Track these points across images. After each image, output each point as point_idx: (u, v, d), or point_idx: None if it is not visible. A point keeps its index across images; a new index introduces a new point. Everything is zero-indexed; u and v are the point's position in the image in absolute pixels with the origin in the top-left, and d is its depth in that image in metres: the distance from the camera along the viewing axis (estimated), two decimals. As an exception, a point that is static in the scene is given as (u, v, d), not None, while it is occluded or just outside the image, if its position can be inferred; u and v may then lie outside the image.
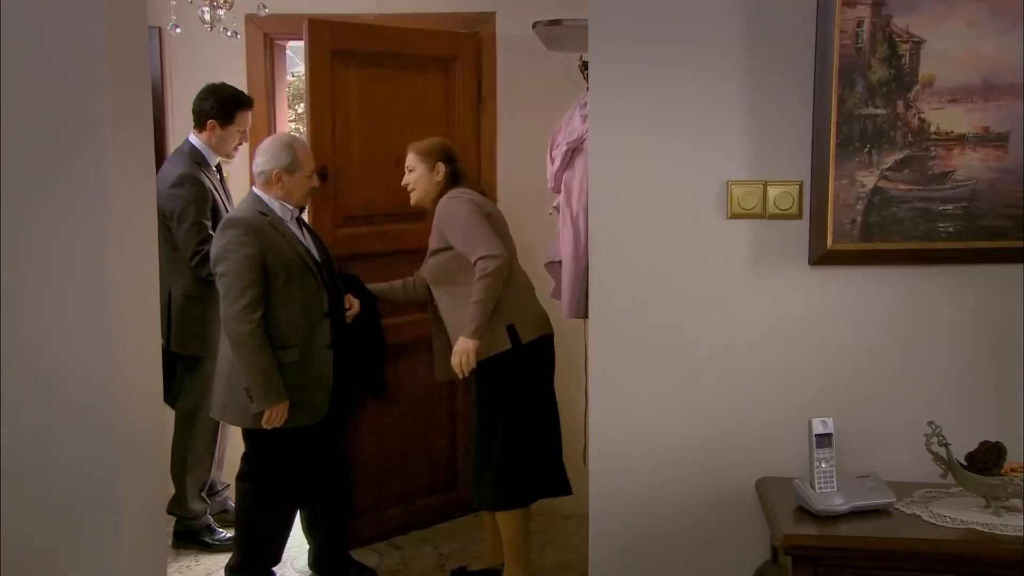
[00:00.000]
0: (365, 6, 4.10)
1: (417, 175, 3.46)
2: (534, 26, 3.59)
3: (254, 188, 3.35)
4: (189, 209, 3.64)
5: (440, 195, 3.39)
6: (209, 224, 3.67)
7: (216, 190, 3.79)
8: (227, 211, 3.77)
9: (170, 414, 3.76)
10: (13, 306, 2.35)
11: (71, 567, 2.41)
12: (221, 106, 3.77)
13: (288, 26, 4.22)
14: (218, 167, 3.88)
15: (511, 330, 3.25)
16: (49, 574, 2.42)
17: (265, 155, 3.31)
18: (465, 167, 3.53)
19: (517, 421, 3.30)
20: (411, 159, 3.44)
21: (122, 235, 2.37)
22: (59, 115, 2.30)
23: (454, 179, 3.41)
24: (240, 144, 3.89)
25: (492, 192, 4.19)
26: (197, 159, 3.76)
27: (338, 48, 3.68)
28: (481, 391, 3.37)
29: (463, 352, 3.20)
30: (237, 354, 3.14)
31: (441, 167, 3.40)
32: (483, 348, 3.23)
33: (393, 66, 3.87)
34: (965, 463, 2.19)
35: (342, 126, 3.73)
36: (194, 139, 3.80)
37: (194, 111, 3.80)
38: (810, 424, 2.19)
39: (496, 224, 3.31)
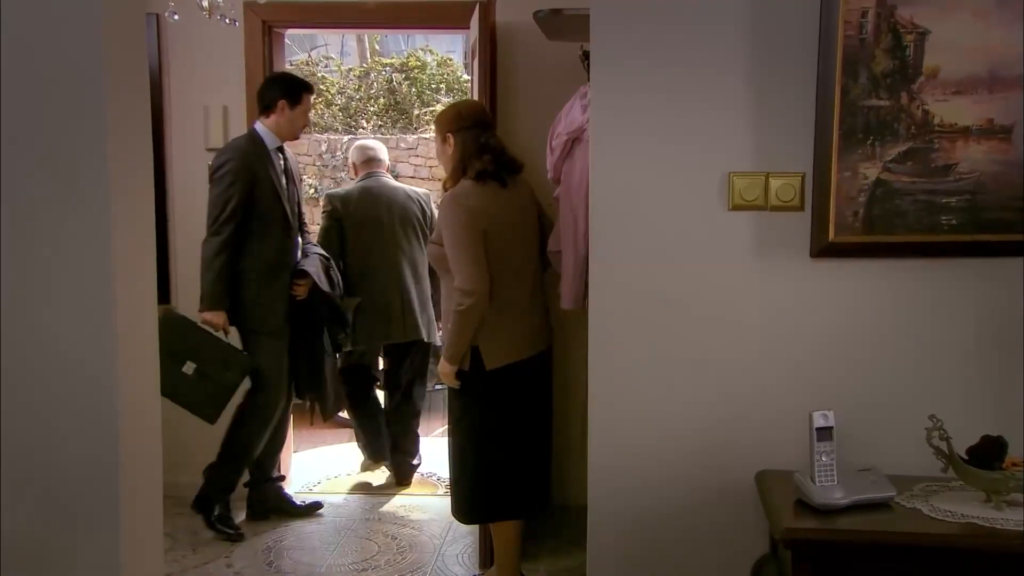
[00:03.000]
0: (364, -7, 4.08)
1: (437, 151, 3.37)
2: (535, 15, 3.56)
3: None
4: (226, 178, 3.78)
5: (461, 169, 3.21)
6: (236, 202, 3.77)
7: (278, 173, 3.92)
8: (288, 194, 3.95)
9: (169, 406, 3.76)
10: (12, 298, 2.33)
11: (70, 557, 2.40)
12: (290, 88, 3.93)
13: (286, 13, 4.20)
14: (281, 151, 3.99)
15: (475, 352, 3.16)
16: (48, 563, 2.41)
17: None
18: (489, 138, 3.25)
19: (475, 442, 3.26)
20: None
21: (121, 223, 2.35)
22: (55, 102, 2.27)
23: (476, 151, 3.18)
24: (306, 126, 4.09)
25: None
26: (256, 140, 3.90)
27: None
28: (450, 403, 3.37)
29: (442, 374, 3.23)
30: None
31: (451, 138, 3.23)
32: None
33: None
34: (966, 457, 2.18)
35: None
36: (258, 125, 3.94)
37: (260, 95, 3.95)
38: (811, 417, 2.18)
39: (494, 240, 3.11)
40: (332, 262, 4.18)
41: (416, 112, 10.86)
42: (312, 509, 4.26)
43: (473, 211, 3.11)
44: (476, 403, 3.25)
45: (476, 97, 3.71)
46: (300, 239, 4.07)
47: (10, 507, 2.38)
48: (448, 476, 3.53)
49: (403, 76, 11.28)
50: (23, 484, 2.38)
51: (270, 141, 3.90)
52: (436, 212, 3.75)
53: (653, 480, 2.50)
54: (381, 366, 4.90)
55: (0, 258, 2.32)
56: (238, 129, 4.24)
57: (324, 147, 10.57)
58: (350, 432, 5.87)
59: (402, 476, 4.69)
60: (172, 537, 3.90)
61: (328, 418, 4.42)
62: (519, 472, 3.29)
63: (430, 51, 11.39)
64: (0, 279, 2.32)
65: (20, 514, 2.39)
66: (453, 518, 3.49)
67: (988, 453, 2.16)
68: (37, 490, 2.39)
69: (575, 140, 3.40)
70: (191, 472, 4.34)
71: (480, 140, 3.20)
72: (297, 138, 4.07)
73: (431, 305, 4.60)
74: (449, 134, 3.24)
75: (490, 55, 3.74)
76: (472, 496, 3.31)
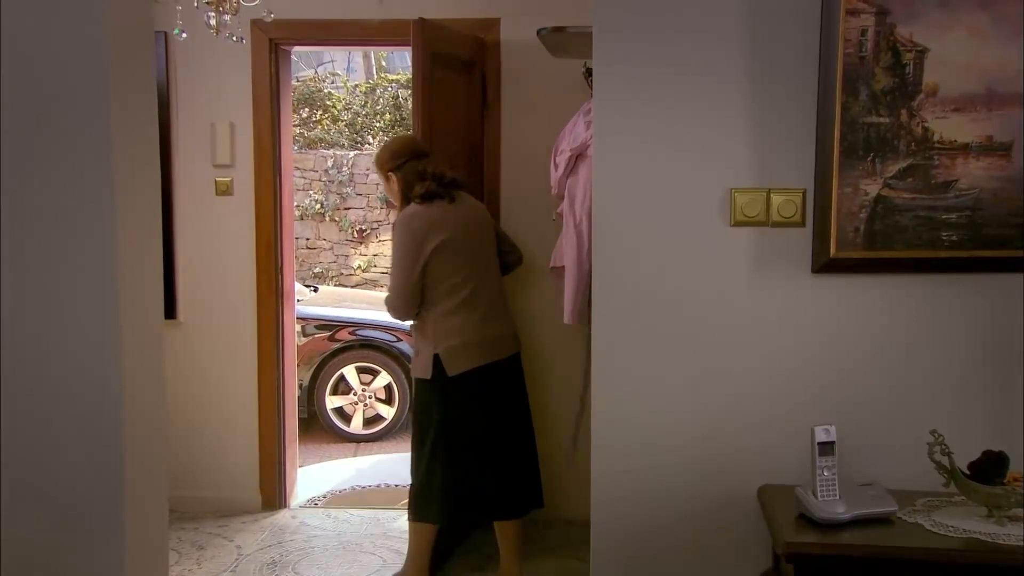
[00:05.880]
0: (368, 11, 4.11)
1: (384, 188, 3.55)
2: (538, 33, 3.59)
3: None
4: None
5: (406, 199, 3.37)
6: None
7: None
8: None
9: (172, 415, 3.78)
10: (18, 311, 2.35)
11: (75, 569, 2.41)
12: None
13: (293, 31, 4.24)
14: None
15: (436, 360, 3.29)
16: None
17: None
18: (427, 165, 3.37)
19: (437, 445, 3.35)
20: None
21: (128, 239, 2.37)
22: (64, 120, 2.30)
23: (415, 179, 3.34)
24: None
25: (495, 199, 4.20)
26: None
27: (434, 51, 3.75)
28: (414, 407, 3.49)
29: None
30: None
31: (392, 176, 3.41)
32: (416, 368, 3.38)
33: (450, 69, 3.94)
34: (968, 472, 2.18)
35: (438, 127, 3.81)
36: None
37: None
38: (813, 432, 2.19)
39: (446, 250, 3.26)
40: None
41: (422, 128, 10.89)
42: None
43: (417, 233, 3.27)
44: (438, 408, 3.35)
45: (413, 118, 3.74)
46: None
47: (15, 519, 2.40)
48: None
49: (409, 92, 11.34)
50: (28, 496, 2.40)
51: None
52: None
53: (655, 494, 2.51)
54: None
55: (7, 271, 2.34)
56: (245, 146, 4.28)
57: (330, 163, 10.63)
58: (355, 447, 5.90)
59: None
60: (177, 551, 3.91)
61: None
62: (474, 477, 3.37)
63: (436, 67, 11.40)
64: (7, 292, 2.35)
65: (25, 526, 2.40)
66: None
67: (989, 468, 2.16)
68: (42, 502, 2.40)
69: (579, 156, 3.42)
70: (196, 487, 4.37)
71: (418, 170, 3.36)
72: None
73: None
74: (390, 172, 3.41)
75: (422, 74, 3.68)
76: (422, 495, 3.41)
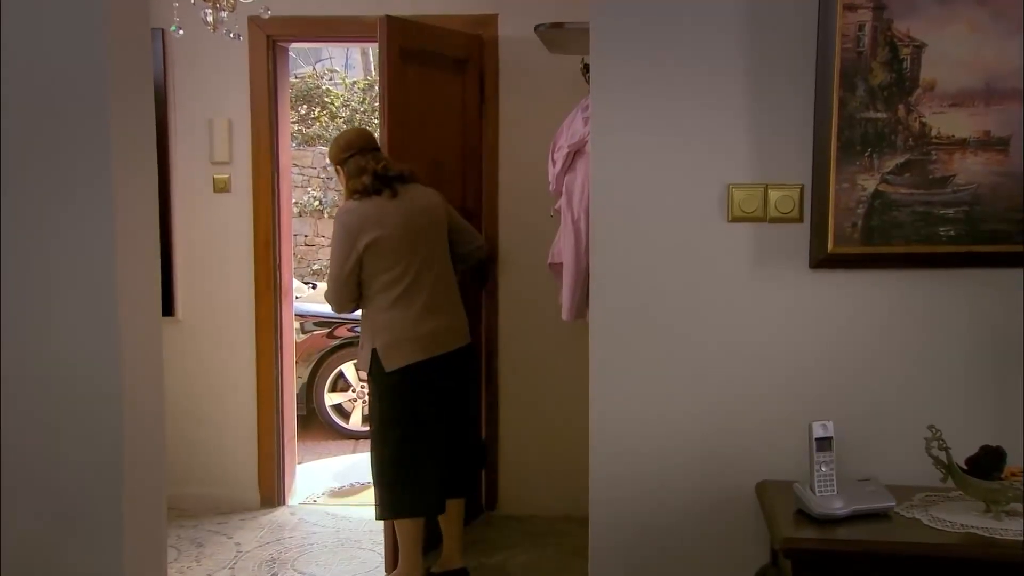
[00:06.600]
0: (366, 8, 4.11)
1: (338, 181, 3.62)
2: (536, 29, 3.59)
3: None
4: None
5: (349, 192, 3.42)
6: None
7: None
8: None
9: (171, 412, 3.77)
10: (17, 309, 2.35)
11: (73, 567, 2.41)
12: None
13: (290, 28, 4.23)
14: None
15: (374, 355, 3.33)
16: (51, 574, 2.42)
17: None
18: (371, 159, 3.40)
19: (381, 438, 3.41)
20: None
21: (126, 236, 2.37)
22: (62, 117, 2.30)
23: (357, 174, 3.38)
24: None
25: (493, 195, 4.20)
26: None
27: (404, 47, 3.73)
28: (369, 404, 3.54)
29: None
30: None
31: (339, 169, 3.47)
32: (359, 362, 3.45)
33: (435, 66, 3.92)
34: (965, 467, 2.18)
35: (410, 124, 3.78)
36: None
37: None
38: (810, 427, 2.19)
39: (381, 245, 3.29)
40: None
41: (420, 124, 10.88)
42: None
43: (349, 229, 3.33)
44: (380, 402, 3.40)
45: (380, 116, 3.74)
46: None
47: (13, 517, 2.40)
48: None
49: (408, 89, 11.30)
50: (27, 494, 2.40)
51: None
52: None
53: (654, 490, 2.51)
54: None
55: (6, 268, 2.34)
56: (243, 143, 4.28)
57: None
58: (353, 444, 5.90)
59: None
60: (176, 548, 3.91)
61: None
62: (420, 469, 3.39)
63: (434, 63, 11.38)
64: (5, 289, 2.35)
65: (23, 523, 2.40)
66: None
67: (987, 463, 2.17)
68: (40, 500, 2.40)
69: (577, 152, 3.42)
70: (196, 484, 4.37)
71: (360, 164, 3.39)
72: None
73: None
74: (337, 167, 3.49)
75: (388, 72, 3.66)
76: (379, 492, 3.44)
